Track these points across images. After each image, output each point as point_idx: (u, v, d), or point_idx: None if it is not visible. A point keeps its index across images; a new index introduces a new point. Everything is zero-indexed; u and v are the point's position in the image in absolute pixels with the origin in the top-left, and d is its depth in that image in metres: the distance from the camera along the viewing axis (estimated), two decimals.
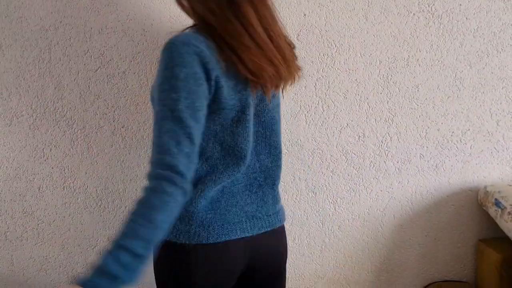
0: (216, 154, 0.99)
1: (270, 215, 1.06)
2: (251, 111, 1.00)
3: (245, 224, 1.01)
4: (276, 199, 1.10)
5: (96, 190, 1.50)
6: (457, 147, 1.56)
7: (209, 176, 0.99)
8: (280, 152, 1.09)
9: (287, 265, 1.19)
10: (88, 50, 1.43)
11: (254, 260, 1.04)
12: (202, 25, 0.96)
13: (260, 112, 1.03)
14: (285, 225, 1.18)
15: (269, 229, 1.05)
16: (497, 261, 1.49)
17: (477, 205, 1.59)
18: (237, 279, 1.05)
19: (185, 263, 0.97)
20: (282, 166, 1.12)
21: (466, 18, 1.47)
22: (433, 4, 1.45)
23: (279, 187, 1.12)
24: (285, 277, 1.17)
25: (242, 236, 1.00)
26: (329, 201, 1.58)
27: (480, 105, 1.53)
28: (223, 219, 0.99)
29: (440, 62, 1.49)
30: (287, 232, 1.20)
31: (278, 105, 1.10)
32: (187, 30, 0.99)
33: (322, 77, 1.48)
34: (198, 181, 0.99)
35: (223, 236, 0.97)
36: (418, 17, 1.46)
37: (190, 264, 0.96)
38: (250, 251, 1.03)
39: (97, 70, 1.44)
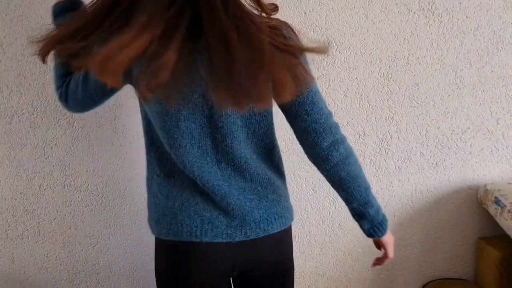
0: (164, 149, 0.97)
1: (231, 226, 0.96)
2: (161, 117, 0.92)
3: (195, 228, 0.94)
4: (245, 210, 0.96)
5: (97, 188, 1.50)
6: (457, 145, 1.56)
7: (162, 171, 0.98)
8: (245, 162, 0.96)
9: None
10: None
11: (253, 261, 1.01)
12: None
13: (215, 115, 0.91)
14: None
15: (226, 240, 0.95)
16: (497, 259, 1.49)
17: (477, 203, 1.60)
18: (224, 278, 1.03)
19: (154, 252, 1.03)
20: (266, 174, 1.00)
21: (466, 16, 1.47)
22: (434, 3, 1.45)
23: (260, 197, 0.99)
24: (288, 276, 1.17)
25: (191, 240, 0.94)
26: (329, 199, 1.58)
27: (480, 104, 1.53)
28: (173, 217, 0.95)
29: (440, 60, 1.50)
30: None
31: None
32: None
33: (323, 75, 1.48)
34: (153, 171, 1.00)
35: (171, 235, 0.95)
36: (419, 16, 1.46)
37: (156, 254, 1.02)
38: (230, 255, 0.98)
39: None
